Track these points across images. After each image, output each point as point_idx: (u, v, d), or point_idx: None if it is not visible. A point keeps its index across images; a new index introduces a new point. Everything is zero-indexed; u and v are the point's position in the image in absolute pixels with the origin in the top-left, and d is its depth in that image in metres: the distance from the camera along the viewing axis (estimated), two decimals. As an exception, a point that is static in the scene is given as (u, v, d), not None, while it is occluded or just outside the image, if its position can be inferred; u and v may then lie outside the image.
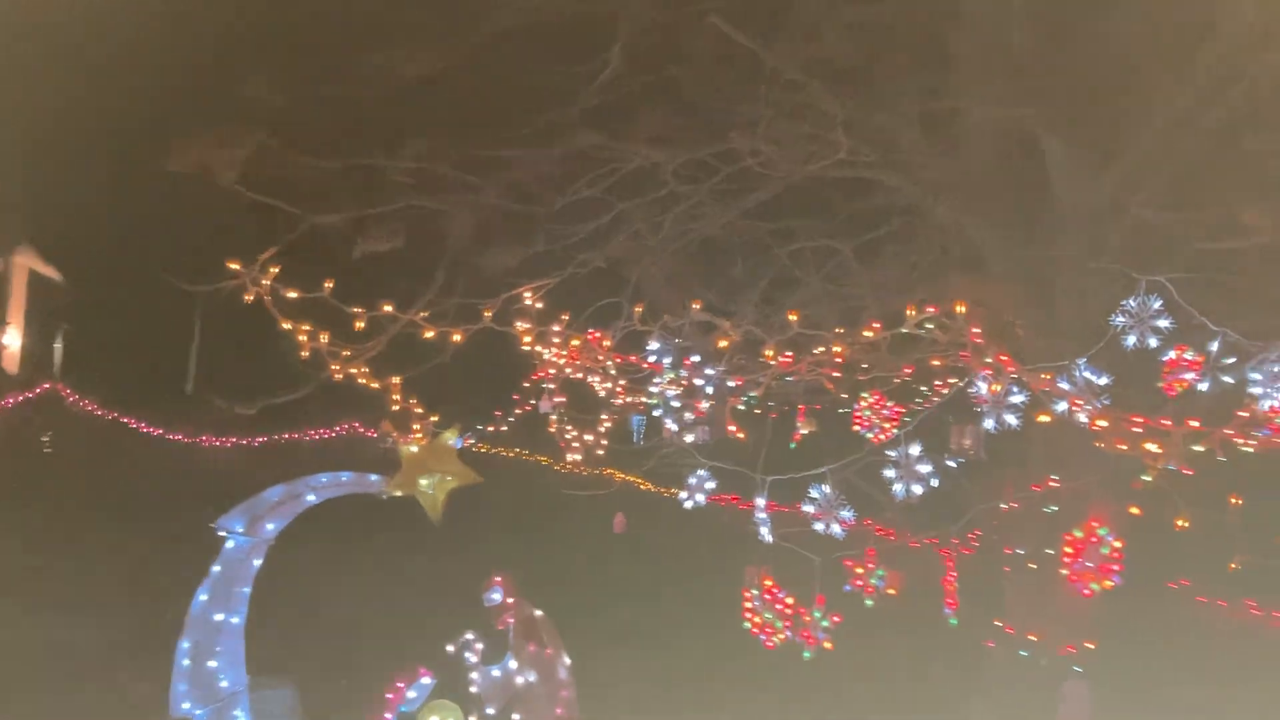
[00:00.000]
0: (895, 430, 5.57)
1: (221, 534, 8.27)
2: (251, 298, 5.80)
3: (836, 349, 4.90)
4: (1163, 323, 4.83)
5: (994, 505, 6.86)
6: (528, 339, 5.88)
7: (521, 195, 7.70)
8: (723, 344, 5.32)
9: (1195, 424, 4.46)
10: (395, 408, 7.09)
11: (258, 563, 8.52)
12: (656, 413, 6.37)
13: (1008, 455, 6.88)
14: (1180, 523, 5.12)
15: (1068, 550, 6.15)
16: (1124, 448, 4.48)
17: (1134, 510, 6.89)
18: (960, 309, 4.62)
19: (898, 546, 7.33)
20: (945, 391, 5.53)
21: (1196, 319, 5.26)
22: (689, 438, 6.27)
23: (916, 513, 7.65)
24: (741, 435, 5.75)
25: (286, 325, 5.82)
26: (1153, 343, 4.86)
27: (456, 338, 6.03)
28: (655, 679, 8.99)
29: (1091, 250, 6.26)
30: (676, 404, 6.09)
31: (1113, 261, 5.69)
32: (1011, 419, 4.54)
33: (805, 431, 6.50)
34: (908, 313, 4.71)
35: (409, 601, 9.79)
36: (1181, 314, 5.10)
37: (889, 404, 6.00)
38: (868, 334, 4.89)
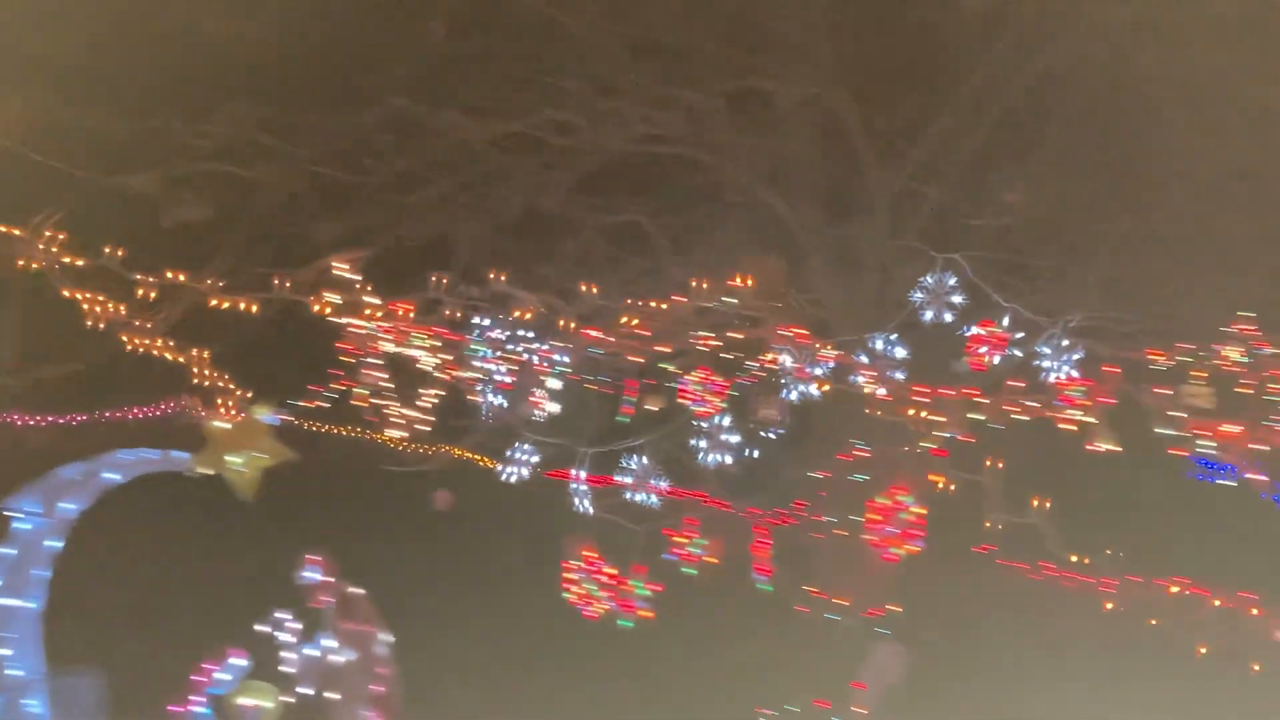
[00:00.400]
0: (721, 403, 5.69)
1: (8, 514, 7.80)
2: (29, 264, 5.46)
3: (635, 321, 4.97)
4: (957, 299, 5.06)
5: (805, 475, 7.09)
6: (332, 310, 5.75)
7: (341, 164, 7.51)
8: (523, 315, 5.32)
9: (973, 393, 4.72)
10: (203, 382, 6.82)
11: (56, 545, 8.07)
12: (479, 387, 6.34)
13: (822, 426, 7.14)
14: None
15: (873, 517, 6.41)
16: (909, 415, 4.71)
17: (935, 478, 7.31)
18: (762, 283, 4.75)
19: (722, 516, 7.51)
20: (768, 367, 5.69)
21: (990, 295, 5.56)
22: (516, 411, 6.27)
23: (739, 483, 7.89)
24: (549, 408, 5.76)
25: (66, 294, 5.51)
26: (948, 318, 5.09)
27: (254, 308, 5.84)
28: (477, 653, 8.98)
29: (895, 229, 6.54)
30: (499, 377, 6.08)
31: (913, 240, 5.96)
32: (813, 390, 4.71)
33: (649, 407, 6.56)
34: (706, 287, 4.81)
35: (222, 582, 9.48)
36: (992, 291, 5.39)
37: (716, 378, 6.13)
38: (664, 306, 4.98)
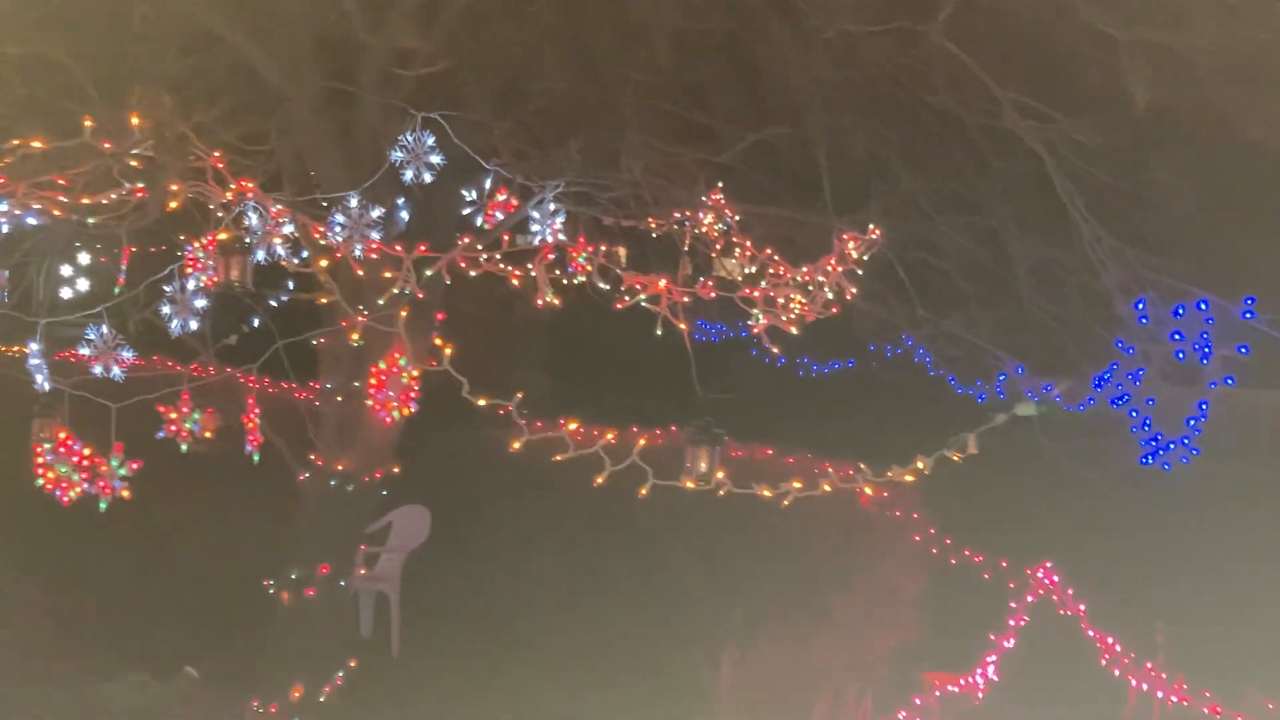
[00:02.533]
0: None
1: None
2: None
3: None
4: (436, 158, 5.07)
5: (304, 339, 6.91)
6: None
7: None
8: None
9: (424, 248, 4.82)
10: None
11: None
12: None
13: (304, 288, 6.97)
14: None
15: (372, 381, 6.42)
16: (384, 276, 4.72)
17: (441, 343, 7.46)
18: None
19: (219, 387, 7.13)
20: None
21: (472, 157, 5.64)
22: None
23: (237, 353, 7.54)
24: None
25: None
26: (428, 178, 5.09)
27: None
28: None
29: (383, 89, 6.41)
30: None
31: (397, 98, 5.90)
32: (280, 250, 4.54)
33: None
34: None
35: None
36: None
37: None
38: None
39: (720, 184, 7.32)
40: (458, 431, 9.76)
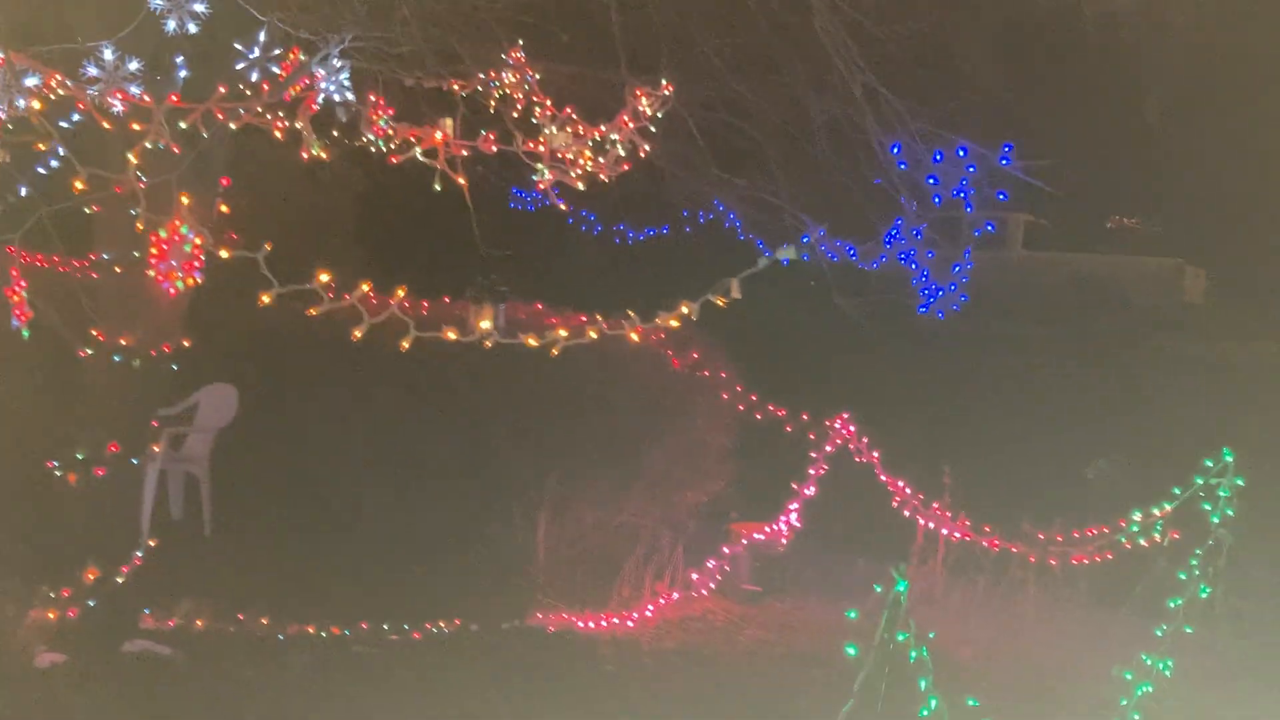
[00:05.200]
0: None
1: None
2: None
3: None
4: (200, 7, 4.70)
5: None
6: None
7: None
8: None
9: (175, 98, 4.52)
10: None
11: None
12: None
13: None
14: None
15: (153, 251, 6.07)
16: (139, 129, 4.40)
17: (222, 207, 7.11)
18: None
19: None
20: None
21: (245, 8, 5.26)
22: None
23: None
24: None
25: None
26: (192, 28, 4.73)
27: None
28: None
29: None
30: None
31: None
32: (21, 102, 4.16)
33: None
34: None
35: None
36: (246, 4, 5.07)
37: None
38: None
39: (520, 41, 7.13)
40: (255, 304, 9.38)
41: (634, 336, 4.21)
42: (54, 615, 6.64)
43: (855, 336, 10.43)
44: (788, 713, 6.39)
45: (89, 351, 7.13)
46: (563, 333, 4.25)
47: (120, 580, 6.90)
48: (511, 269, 9.74)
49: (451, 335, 4.35)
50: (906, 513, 8.84)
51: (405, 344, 4.55)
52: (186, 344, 7.31)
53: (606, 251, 14.96)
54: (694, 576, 8.70)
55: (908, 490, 8.81)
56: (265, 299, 4.37)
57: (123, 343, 7.03)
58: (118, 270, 6.96)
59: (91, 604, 6.72)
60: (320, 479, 9.05)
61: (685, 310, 4.33)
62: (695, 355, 9.92)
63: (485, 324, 4.16)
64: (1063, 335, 13.16)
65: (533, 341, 4.21)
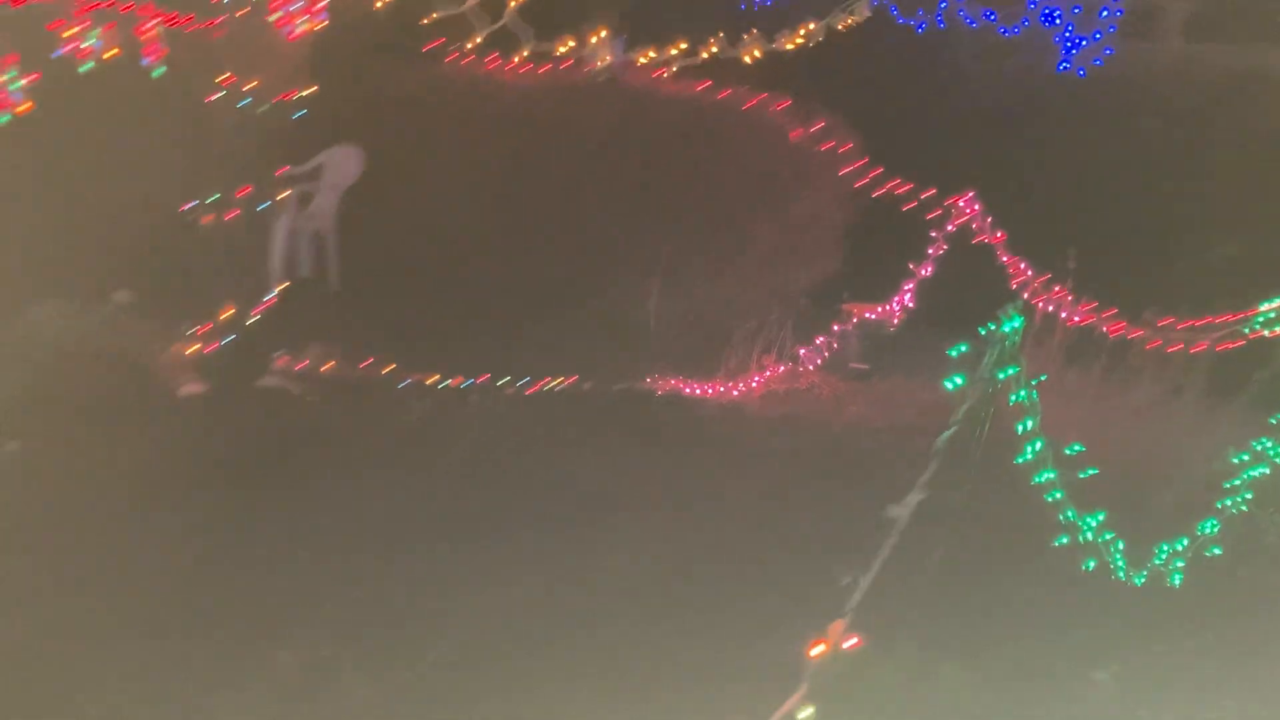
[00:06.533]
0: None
1: None
2: None
3: None
4: None
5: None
6: None
7: None
8: None
9: None
10: None
11: None
12: None
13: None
14: None
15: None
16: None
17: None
18: None
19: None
20: None
21: None
22: None
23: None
24: None
25: None
26: None
27: None
28: None
29: None
30: None
31: None
32: None
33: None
34: None
35: None
36: None
37: None
38: None
39: None
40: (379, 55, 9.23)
41: (749, 58, 4.07)
42: (195, 349, 7.06)
43: (986, 111, 9.94)
44: (887, 476, 6.47)
45: (217, 95, 7.25)
46: (679, 49, 4.13)
47: (253, 321, 7.24)
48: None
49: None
50: (1026, 295, 8.61)
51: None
52: (310, 91, 7.36)
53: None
54: (801, 352, 8.72)
55: (1029, 272, 8.55)
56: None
57: (249, 88, 7.13)
58: (239, 14, 6.99)
59: (228, 340, 7.11)
60: (443, 237, 9.07)
61: (803, 34, 4.16)
62: (815, 127, 9.60)
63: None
64: (1214, 129, 12.29)
65: (648, 58, 4.08)
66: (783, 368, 8.58)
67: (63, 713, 3.80)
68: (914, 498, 3.99)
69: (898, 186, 9.22)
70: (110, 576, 4.66)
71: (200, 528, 5.16)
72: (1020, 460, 4.74)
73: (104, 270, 7.39)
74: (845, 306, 9.07)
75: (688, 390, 8.06)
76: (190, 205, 7.31)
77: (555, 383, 7.67)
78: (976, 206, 8.68)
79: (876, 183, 9.38)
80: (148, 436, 6.10)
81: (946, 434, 4.26)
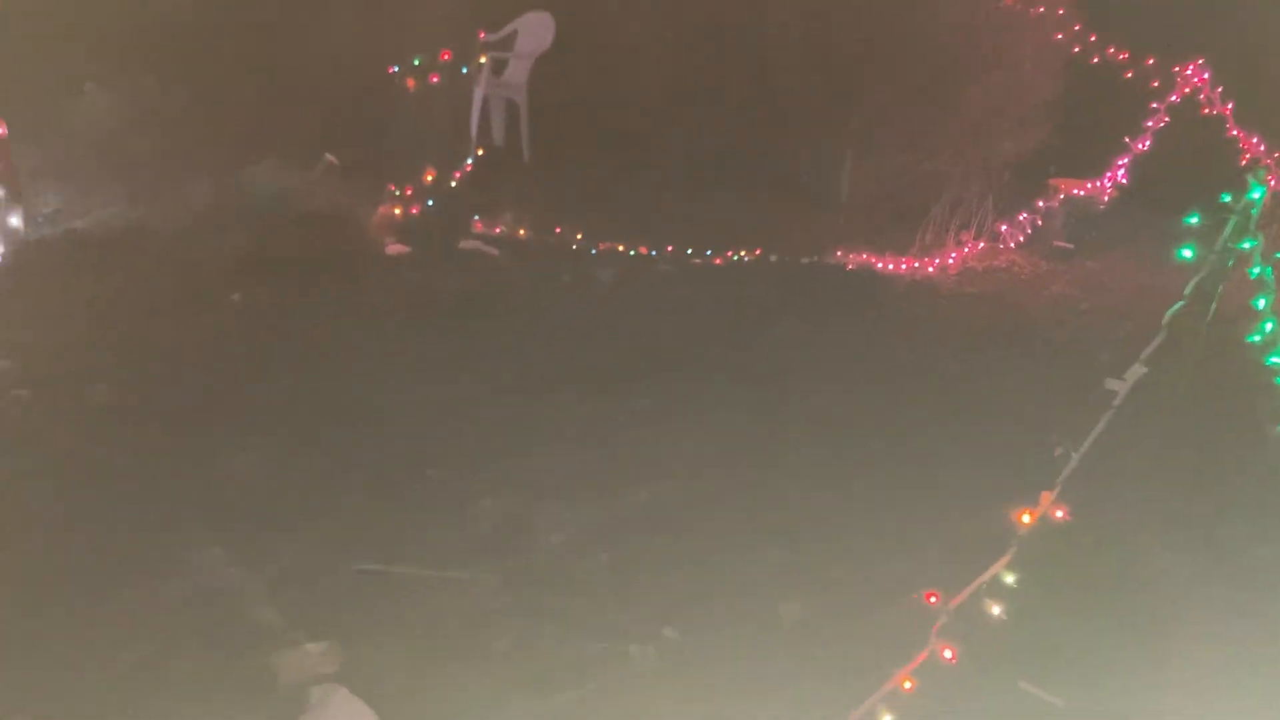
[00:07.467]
0: None
1: None
2: None
3: None
4: None
5: None
6: None
7: None
8: None
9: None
10: None
11: None
12: None
13: None
14: None
15: None
16: None
17: None
18: None
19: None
20: None
21: None
22: None
23: None
24: None
25: None
26: None
27: None
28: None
29: None
30: None
31: None
32: None
33: None
34: None
35: None
36: None
37: None
38: None
39: None
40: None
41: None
42: (399, 211, 7.31)
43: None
44: (1095, 360, 6.20)
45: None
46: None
47: (454, 184, 7.43)
48: None
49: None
50: (1259, 170, 7.98)
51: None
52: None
53: None
54: (1002, 228, 8.40)
55: (1262, 147, 7.93)
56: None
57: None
58: None
59: (430, 203, 7.32)
60: (629, 105, 9.06)
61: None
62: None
63: None
64: None
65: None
66: (982, 244, 8.29)
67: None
68: (1136, 370, 3.81)
69: (1116, 53, 8.63)
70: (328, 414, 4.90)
71: (420, 372, 5.36)
72: (1251, 339, 4.47)
73: (315, 133, 7.69)
74: (1052, 181, 8.66)
75: (880, 265, 7.89)
76: (394, 69, 7.48)
77: (741, 254, 7.62)
78: (1205, 75, 8.06)
79: (1093, 49, 8.80)
80: (359, 290, 6.39)
81: (1176, 306, 4.04)
